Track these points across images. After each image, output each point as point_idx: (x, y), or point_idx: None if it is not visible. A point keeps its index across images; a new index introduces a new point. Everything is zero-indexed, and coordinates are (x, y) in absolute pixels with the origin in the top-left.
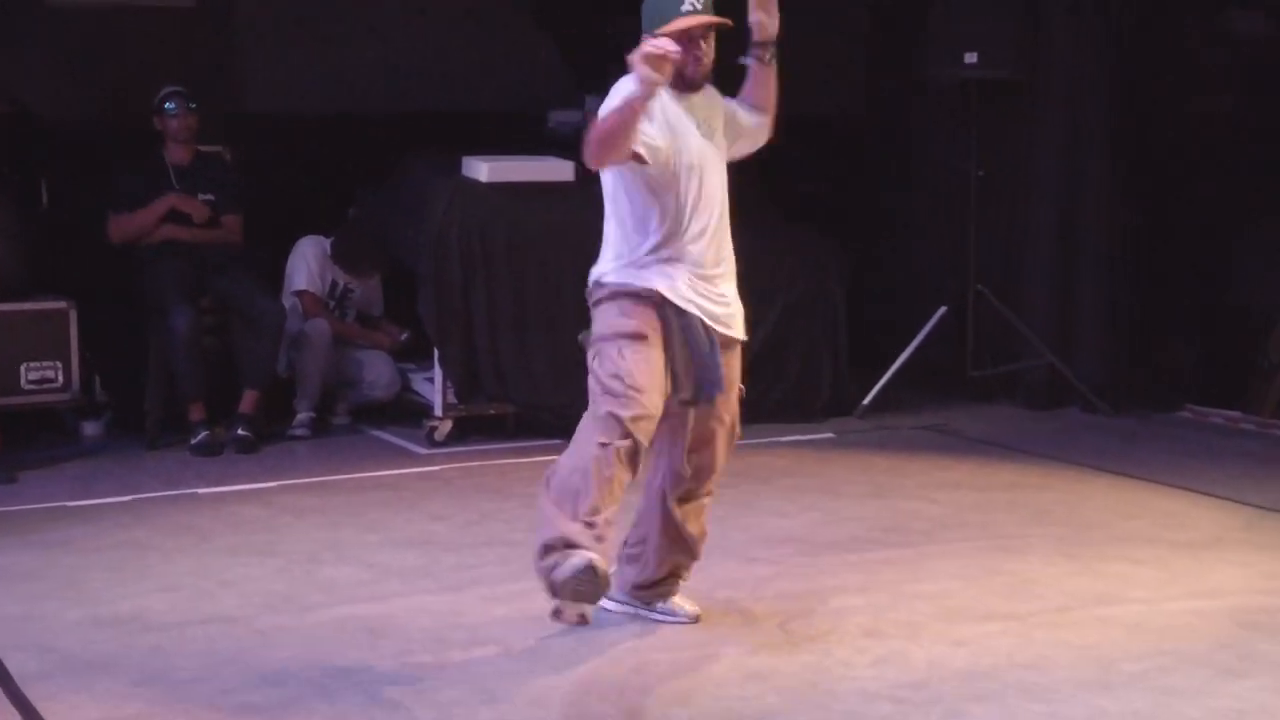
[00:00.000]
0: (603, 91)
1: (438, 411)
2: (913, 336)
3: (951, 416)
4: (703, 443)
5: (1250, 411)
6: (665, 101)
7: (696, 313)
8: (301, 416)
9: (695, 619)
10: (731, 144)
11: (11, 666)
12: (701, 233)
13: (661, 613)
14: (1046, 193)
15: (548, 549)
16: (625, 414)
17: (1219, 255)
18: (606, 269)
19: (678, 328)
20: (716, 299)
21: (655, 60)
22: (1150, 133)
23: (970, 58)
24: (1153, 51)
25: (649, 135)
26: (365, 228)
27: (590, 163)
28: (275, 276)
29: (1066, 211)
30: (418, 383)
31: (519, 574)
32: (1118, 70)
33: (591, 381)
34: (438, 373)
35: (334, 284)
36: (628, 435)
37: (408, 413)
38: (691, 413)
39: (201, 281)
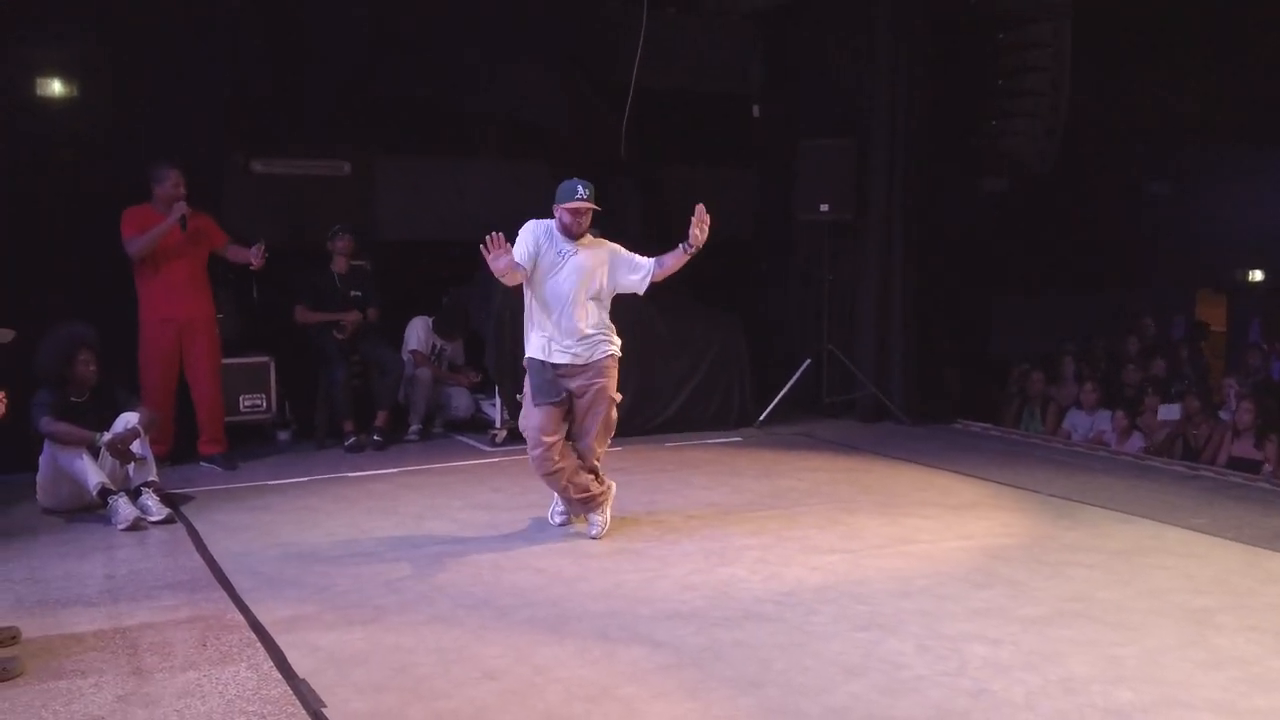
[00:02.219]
0: (600, 228)
1: (497, 425)
2: (790, 377)
3: (813, 427)
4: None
5: (997, 424)
6: (553, 239)
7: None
8: (413, 428)
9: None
10: (611, 280)
11: (234, 583)
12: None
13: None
14: (870, 288)
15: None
16: None
17: (979, 322)
18: None
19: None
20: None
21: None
22: (934, 249)
23: (824, 207)
24: (931, 194)
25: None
26: (454, 310)
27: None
28: (396, 339)
29: (883, 300)
30: (485, 407)
31: (546, 527)
32: (911, 210)
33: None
34: (498, 400)
35: (434, 345)
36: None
37: (479, 425)
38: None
39: (353, 345)
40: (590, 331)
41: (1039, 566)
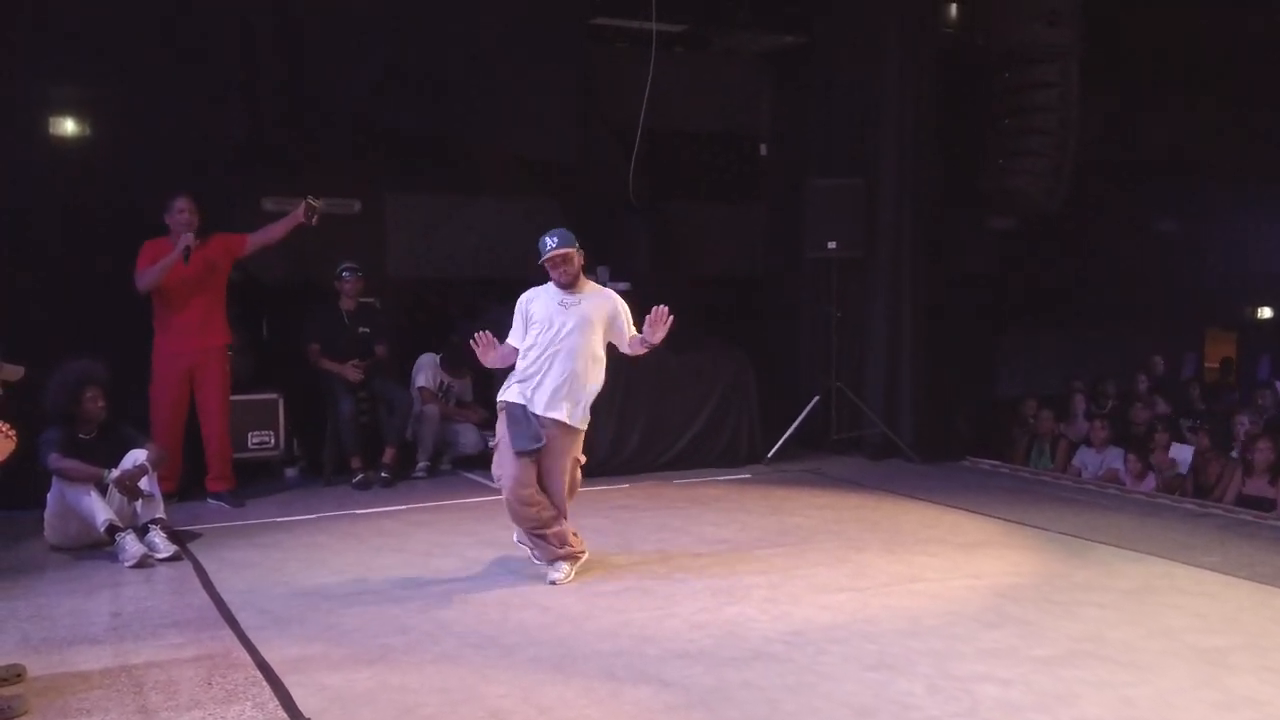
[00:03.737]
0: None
1: None
2: (798, 414)
3: (822, 464)
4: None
5: (1006, 461)
6: (550, 295)
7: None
8: (421, 464)
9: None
10: (611, 332)
11: (240, 621)
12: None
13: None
14: (878, 325)
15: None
16: None
17: (988, 360)
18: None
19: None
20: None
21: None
22: (942, 286)
23: (832, 244)
24: (939, 231)
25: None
26: (462, 347)
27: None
28: (405, 376)
29: (891, 336)
30: (492, 444)
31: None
32: (919, 248)
33: None
34: None
35: (441, 382)
36: None
37: (487, 462)
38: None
39: (361, 382)
40: (588, 392)
41: (1050, 606)
